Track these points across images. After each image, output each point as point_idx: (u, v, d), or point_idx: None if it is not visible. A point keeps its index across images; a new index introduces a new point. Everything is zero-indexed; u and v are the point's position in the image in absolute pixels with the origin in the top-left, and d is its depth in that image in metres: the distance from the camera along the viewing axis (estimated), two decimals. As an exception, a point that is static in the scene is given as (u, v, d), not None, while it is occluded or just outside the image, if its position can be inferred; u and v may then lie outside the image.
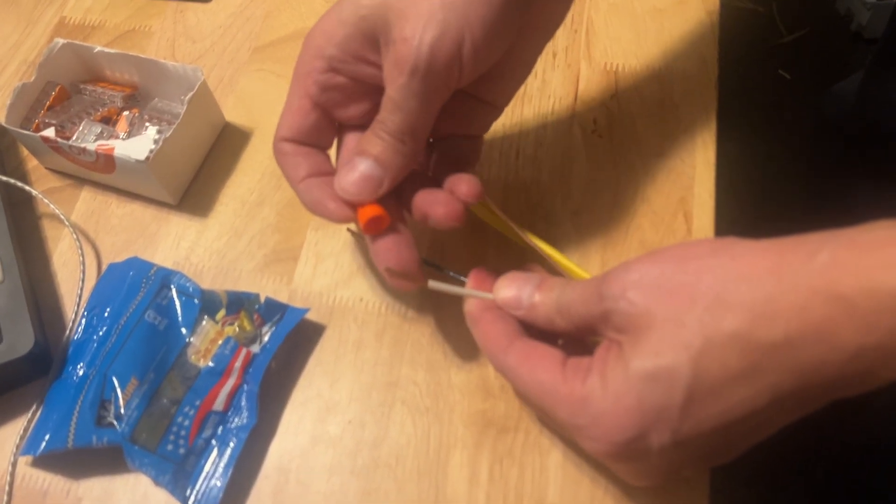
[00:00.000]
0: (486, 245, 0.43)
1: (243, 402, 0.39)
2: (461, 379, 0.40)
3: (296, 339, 0.41)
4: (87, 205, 0.48)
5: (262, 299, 0.41)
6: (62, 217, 0.45)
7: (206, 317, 0.41)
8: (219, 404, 0.39)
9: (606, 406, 0.29)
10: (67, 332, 0.43)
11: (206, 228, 0.46)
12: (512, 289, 0.34)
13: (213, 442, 0.38)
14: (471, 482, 0.37)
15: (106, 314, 0.42)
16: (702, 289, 0.28)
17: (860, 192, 0.82)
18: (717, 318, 0.27)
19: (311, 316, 0.42)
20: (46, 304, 0.44)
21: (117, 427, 0.38)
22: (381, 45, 0.34)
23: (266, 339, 0.40)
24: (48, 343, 0.43)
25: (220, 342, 0.40)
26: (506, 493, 0.37)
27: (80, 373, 0.40)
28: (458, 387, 0.40)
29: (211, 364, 0.40)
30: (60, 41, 0.48)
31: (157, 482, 0.38)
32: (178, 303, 0.41)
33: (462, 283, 0.37)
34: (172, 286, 0.42)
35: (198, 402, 0.39)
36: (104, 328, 0.41)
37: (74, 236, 0.45)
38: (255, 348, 0.40)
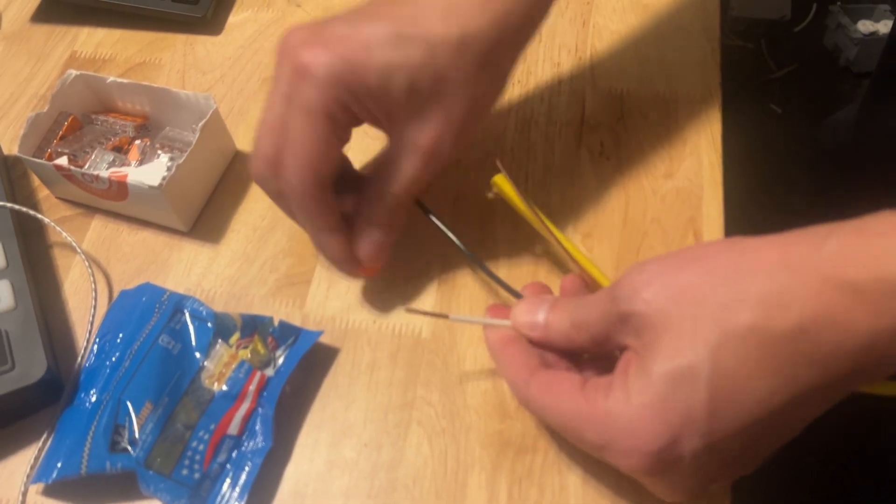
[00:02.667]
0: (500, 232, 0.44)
1: (258, 426, 0.38)
2: (477, 399, 0.40)
3: (310, 363, 0.41)
4: (99, 233, 0.48)
5: (276, 322, 0.41)
6: (74, 245, 0.45)
7: (219, 340, 0.41)
8: (233, 428, 0.38)
9: (632, 416, 0.29)
10: (79, 359, 0.42)
11: (218, 255, 0.46)
12: (527, 313, 0.35)
13: (228, 466, 0.38)
14: (490, 503, 0.37)
15: (119, 340, 0.42)
16: (714, 285, 0.28)
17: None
18: (731, 312, 0.27)
19: (324, 339, 0.42)
20: (58, 332, 0.44)
21: (132, 452, 0.37)
22: (402, 120, 0.36)
23: (280, 362, 0.40)
24: (60, 370, 0.42)
25: (234, 366, 0.40)
26: (525, 514, 0.37)
27: (93, 399, 0.40)
28: (475, 407, 0.40)
29: (225, 388, 0.39)
30: (73, 72, 0.48)
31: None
32: (191, 327, 0.41)
33: (451, 238, 0.41)
34: (186, 310, 0.42)
35: (212, 427, 0.38)
36: (117, 354, 0.41)
37: (86, 264, 0.45)
38: (270, 372, 0.40)
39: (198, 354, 0.40)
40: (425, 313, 0.41)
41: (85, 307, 0.45)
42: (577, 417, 0.31)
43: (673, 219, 0.45)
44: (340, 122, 0.36)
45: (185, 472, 0.37)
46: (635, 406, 0.29)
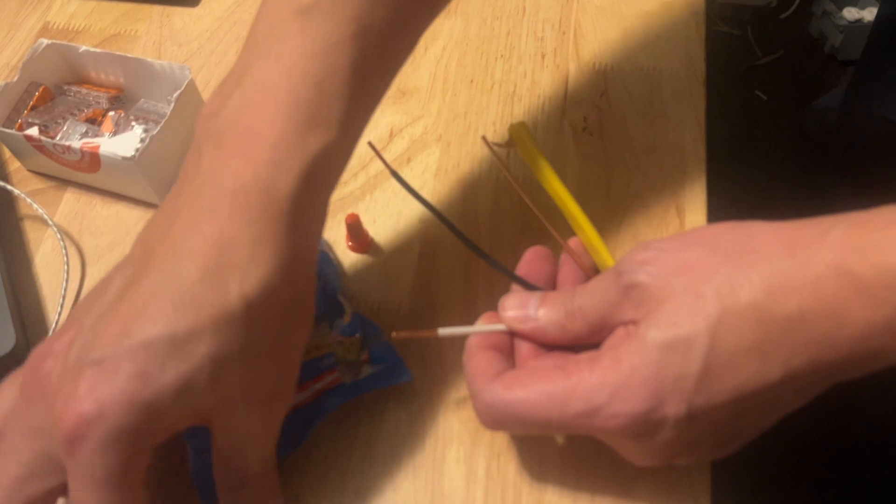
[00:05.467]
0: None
1: (301, 423, 0.37)
2: (456, 375, 0.39)
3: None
4: (71, 206, 0.47)
5: (382, 339, 0.38)
6: (46, 218, 0.44)
7: (326, 321, 0.38)
8: None
9: (622, 379, 0.28)
10: (50, 333, 0.41)
11: (194, 229, 0.45)
12: (517, 307, 0.34)
13: None
14: (468, 479, 0.36)
15: None
16: (719, 263, 0.28)
17: (842, 202, 0.83)
18: (734, 289, 0.28)
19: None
20: (29, 306, 0.43)
21: None
22: (203, 409, 0.29)
23: (361, 376, 0.38)
24: (30, 344, 0.41)
25: (322, 352, 0.38)
26: (504, 490, 0.36)
27: None
28: (453, 383, 0.39)
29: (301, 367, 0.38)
30: (45, 41, 0.47)
31: (187, 440, 0.36)
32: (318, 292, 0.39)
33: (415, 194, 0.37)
34: (324, 274, 0.39)
35: None
36: None
37: (58, 237, 0.44)
38: (347, 377, 0.38)
39: None
40: (412, 335, 0.39)
41: (57, 281, 0.44)
42: (559, 393, 0.30)
43: (656, 194, 0.44)
44: (143, 464, 0.28)
45: None
46: (625, 370, 0.28)
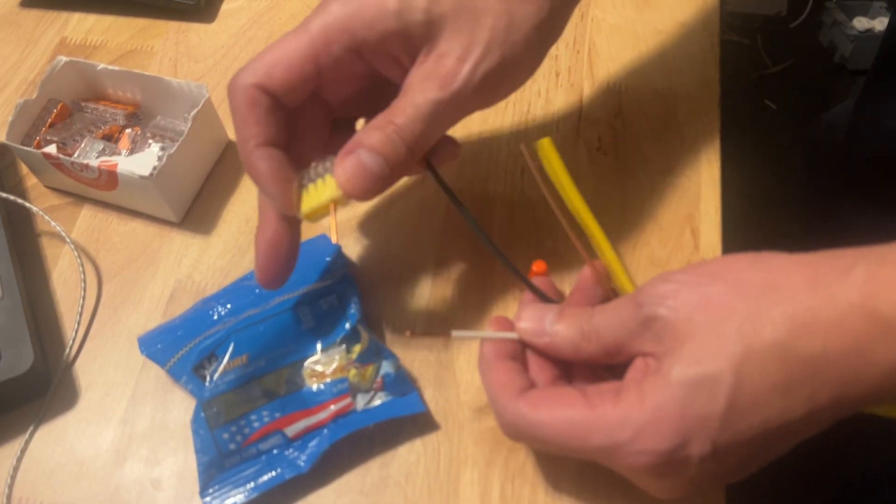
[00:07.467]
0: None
1: (310, 446, 0.37)
2: (470, 396, 0.39)
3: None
4: (88, 222, 0.47)
5: (397, 368, 0.39)
6: (63, 234, 0.44)
7: (344, 346, 0.39)
8: (291, 431, 0.37)
9: (647, 417, 0.28)
10: (67, 350, 0.42)
11: (209, 246, 0.46)
12: (532, 319, 0.34)
13: (263, 458, 0.37)
14: (482, 501, 0.37)
15: None
16: (741, 300, 0.28)
17: (854, 215, 0.83)
18: (757, 327, 0.28)
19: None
20: (46, 323, 0.43)
21: (205, 385, 0.38)
22: (421, 52, 0.33)
23: (374, 404, 0.38)
24: (47, 362, 0.42)
25: (336, 377, 0.38)
26: (518, 512, 0.36)
27: (223, 313, 0.40)
28: (468, 404, 0.39)
29: (314, 390, 0.38)
30: (63, 59, 0.47)
31: (196, 454, 0.37)
32: (333, 317, 0.39)
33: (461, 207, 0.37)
34: (340, 298, 0.40)
35: (277, 415, 0.37)
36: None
37: (75, 254, 0.44)
38: (359, 404, 0.38)
39: (318, 345, 0.39)
40: (425, 334, 0.39)
41: (73, 298, 0.44)
42: (583, 425, 0.30)
43: (670, 215, 0.44)
44: (340, 58, 0.33)
45: (225, 436, 0.37)
46: (650, 407, 0.28)
